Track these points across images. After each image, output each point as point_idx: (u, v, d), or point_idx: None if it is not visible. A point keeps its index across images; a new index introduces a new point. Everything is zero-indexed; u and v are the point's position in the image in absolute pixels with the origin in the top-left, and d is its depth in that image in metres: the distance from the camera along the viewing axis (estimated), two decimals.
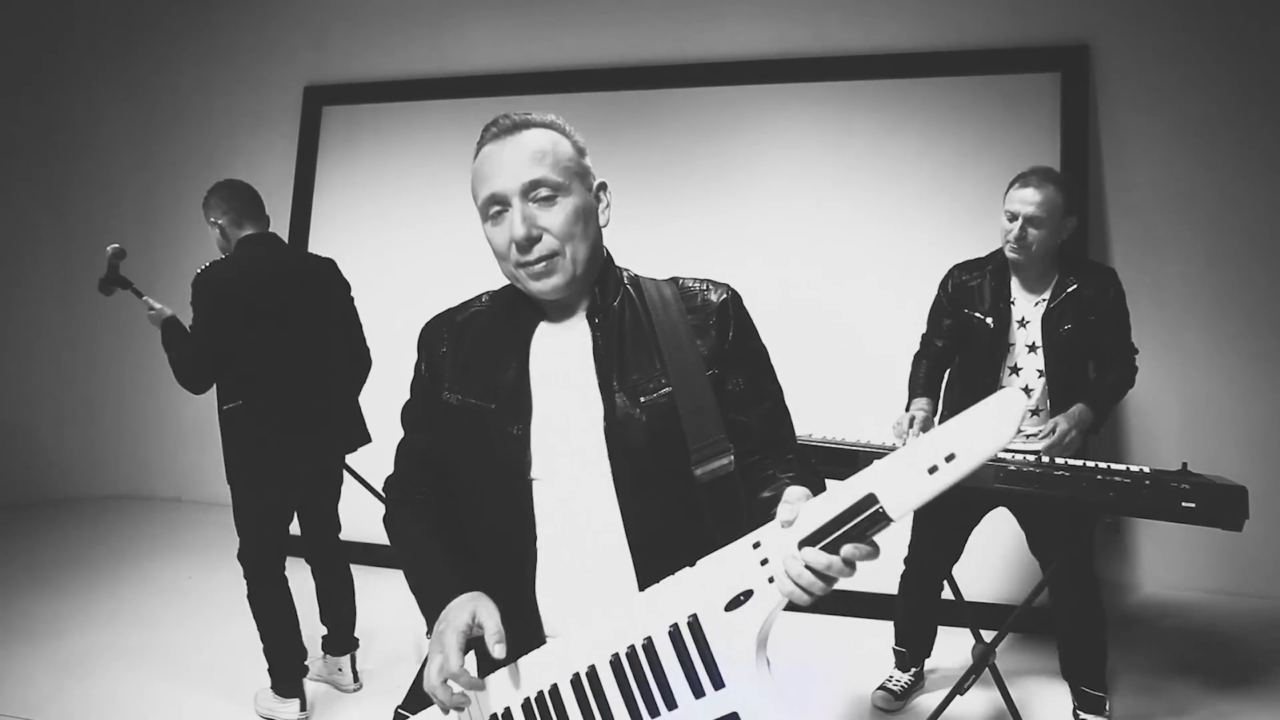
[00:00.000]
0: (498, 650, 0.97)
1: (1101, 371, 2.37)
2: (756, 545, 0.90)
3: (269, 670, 2.48)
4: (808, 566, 0.86)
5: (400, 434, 1.26)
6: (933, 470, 0.80)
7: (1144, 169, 3.42)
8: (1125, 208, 3.46)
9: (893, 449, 2.21)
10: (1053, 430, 2.22)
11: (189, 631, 3.06)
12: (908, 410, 2.41)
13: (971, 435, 0.79)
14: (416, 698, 1.18)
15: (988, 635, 2.21)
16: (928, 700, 2.56)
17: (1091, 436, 2.41)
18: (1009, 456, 2.10)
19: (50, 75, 4.66)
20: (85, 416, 4.83)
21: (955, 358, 2.50)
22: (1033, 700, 2.56)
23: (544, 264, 1.07)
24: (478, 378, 1.14)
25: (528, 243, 1.05)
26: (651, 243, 3.76)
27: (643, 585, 1.06)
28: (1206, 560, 3.45)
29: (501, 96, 3.97)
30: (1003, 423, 0.77)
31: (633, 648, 0.94)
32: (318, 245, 4.17)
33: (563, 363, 1.12)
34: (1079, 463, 2.04)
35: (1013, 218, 2.26)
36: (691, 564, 0.96)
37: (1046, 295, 2.33)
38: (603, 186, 1.15)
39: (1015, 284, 2.37)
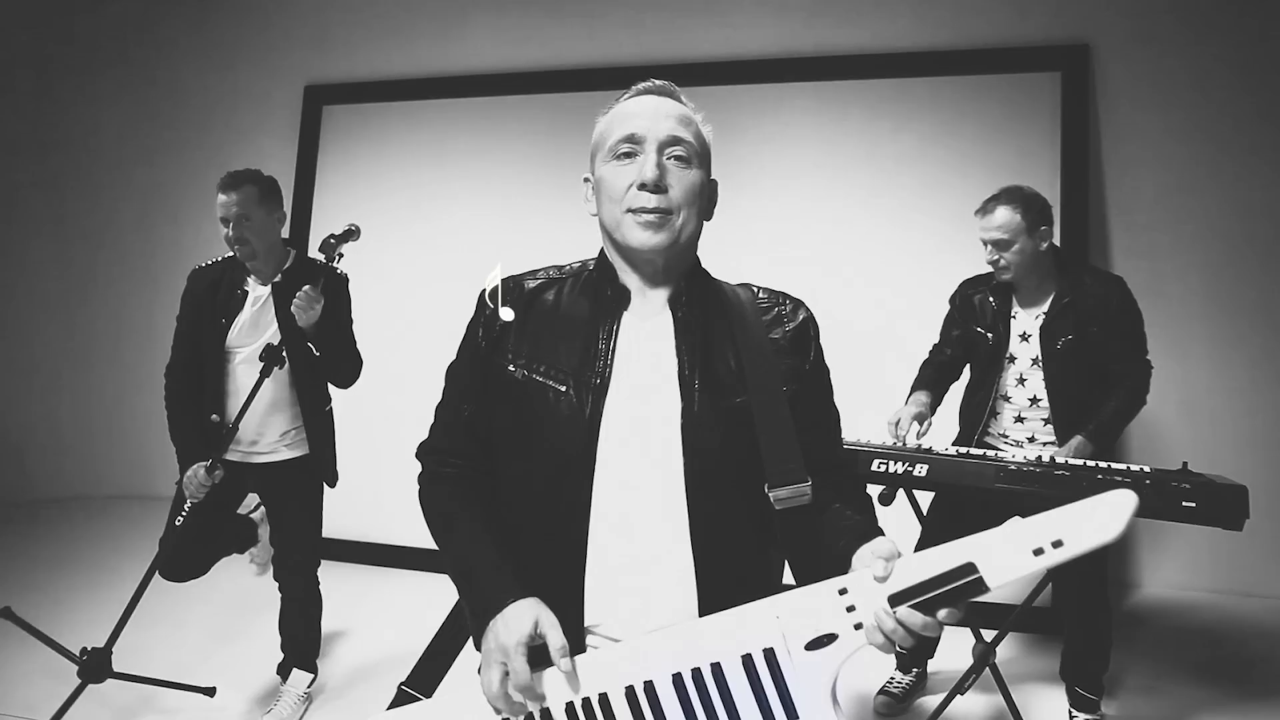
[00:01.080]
0: (564, 664, 0.97)
1: (1106, 395, 2.30)
2: (843, 591, 0.93)
3: (306, 661, 2.54)
4: (900, 623, 0.89)
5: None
6: (1038, 552, 0.84)
7: (1144, 168, 3.42)
8: (1125, 207, 3.45)
9: (892, 447, 2.21)
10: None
11: (190, 631, 3.06)
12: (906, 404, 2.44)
13: (1081, 526, 0.82)
14: (422, 677, 1.16)
15: (988, 635, 2.21)
16: (928, 700, 2.56)
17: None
18: (1009, 456, 2.11)
19: (50, 74, 4.65)
20: (85, 416, 4.82)
21: (962, 369, 2.56)
22: (1033, 700, 2.56)
23: (658, 216, 1.08)
24: (550, 354, 1.12)
25: (655, 187, 1.07)
26: None
27: (701, 586, 1.06)
28: (1207, 560, 3.45)
29: (503, 96, 3.97)
30: (1113, 519, 0.80)
31: (699, 670, 0.96)
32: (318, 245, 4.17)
33: (643, 352, 1.11)
34: (1079, 462, 2.04)
35: (985, 245, 2.33)
36: (746, 579, 1.04)
37: (1045, 307, 2.33)
38: (715, 185, 1.18)
39: (1016, 299, 2.39)
